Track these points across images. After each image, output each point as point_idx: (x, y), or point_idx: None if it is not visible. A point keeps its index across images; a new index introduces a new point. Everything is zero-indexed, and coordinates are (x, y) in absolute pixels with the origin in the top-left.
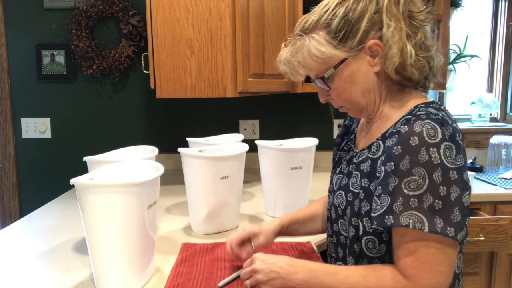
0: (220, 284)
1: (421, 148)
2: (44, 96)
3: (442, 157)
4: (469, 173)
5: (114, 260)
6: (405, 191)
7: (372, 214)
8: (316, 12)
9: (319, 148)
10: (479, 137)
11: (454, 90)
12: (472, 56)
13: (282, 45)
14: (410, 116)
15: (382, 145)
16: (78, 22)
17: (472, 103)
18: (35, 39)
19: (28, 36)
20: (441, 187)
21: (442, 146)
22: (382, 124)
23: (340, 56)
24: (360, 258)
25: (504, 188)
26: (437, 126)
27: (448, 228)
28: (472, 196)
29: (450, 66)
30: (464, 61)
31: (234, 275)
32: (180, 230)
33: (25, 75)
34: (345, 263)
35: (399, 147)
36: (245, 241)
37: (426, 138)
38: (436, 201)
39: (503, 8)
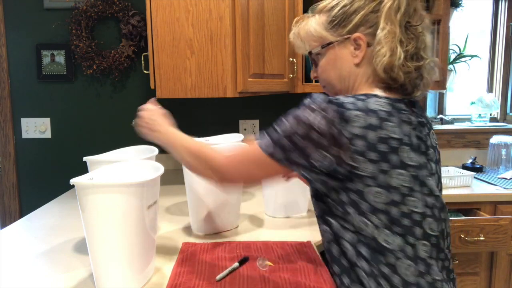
0: (218, 277)
1: (305, 106)
2: (44, 96)
3: (310, 117)
4: (469, 173)
5: (114, 260)
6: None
7: None
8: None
9: None
10: (479, 137)
11: (454, 90)
12: (472, 56)
13: (296, 20)
14: None
15: None
16: (78, 22)
17: (472, 103)
18: (35, 39)
19: (28, 36)
20: (290, 128)
21: (315, 110)
22: None
23: (328, 38)
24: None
25: (504, 188)
26: (323, 98)
27: (267, 145)
28: (472, 196)
29: (450, 66)
30: (464, 61)
31: (230, 268)
32: (180, 230)
33: (25, 75)
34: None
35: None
36: None
37: (311, 103)
38: (278, 132)
39: (503, 8)
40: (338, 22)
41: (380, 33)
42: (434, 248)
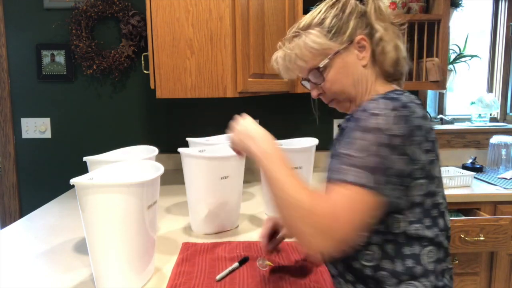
0: (218, 277)
1: (367, 118)
2: (44, 96)
3: (380, 121)
4: (469, 173)
5: (114, 260)
6: (348, 151)
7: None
8: (309, 15)
9: (319, 148)
10: (479, 137)
11: (454, 90)
12: (472, 56)
13: (279, 44)
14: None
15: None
16: (78, 22)
17: (472, 103)
18: (35, 39)
19: (28, 36)
20: (374, 147)
21: (384, 115)
22: None
23: (333, 48)
24: None
25: (504, 188)
26: (381, 101)
27: (368, 182)
28: (472, 196)
29: (450, 66)
30: (464, 61)
31: (230, 268)
32: (180, 230)
33: (25, 75)
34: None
35: (353, 123)
36: (273, 233)
37: (371, 110)
38: (366, 158)
39: (503, 8)
40: (337, 30)
41: (379, 33)
42: (448, 240)
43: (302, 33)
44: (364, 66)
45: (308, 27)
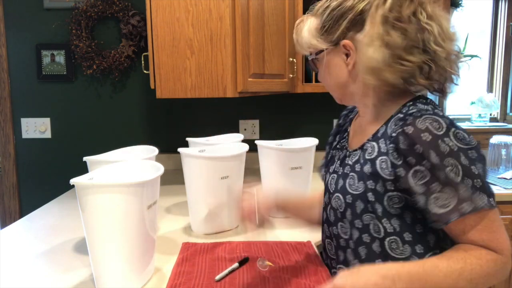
0: (217, 277)
1: (437, 140)
2: (44, 96)
3: (456, 142)
4: None
5: (114, 260)
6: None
7: (434, 217)
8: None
9: (319, 148)
10: (479, 137)
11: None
12: (472, 56)
13: (302, 17)
14: (402, 115)
15: (376, 146)
16: (78, 22)
17: (472, 103)
18: (35, 39)
19: (28, 36)
20: (472, 167)
21: (451, 134)
22: (374, 122)
23: (319, 46)
24: (371, 261)
25: (504, 188)
26: (436, 118)
27: (489, 199)
28: None
29: None
30: (464, 61)
31: (230, 268)
32: (180, 230)
33: (25, 75)
34: (347, 266)
35: (418, 146)
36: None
37: (435, 131)
38: (475, 180)
39: (503, 8)
40: (327, 28)
41: (360, 37)
42: None
43: (308, 19)
44: (351, 71)
45: (315, 13)
